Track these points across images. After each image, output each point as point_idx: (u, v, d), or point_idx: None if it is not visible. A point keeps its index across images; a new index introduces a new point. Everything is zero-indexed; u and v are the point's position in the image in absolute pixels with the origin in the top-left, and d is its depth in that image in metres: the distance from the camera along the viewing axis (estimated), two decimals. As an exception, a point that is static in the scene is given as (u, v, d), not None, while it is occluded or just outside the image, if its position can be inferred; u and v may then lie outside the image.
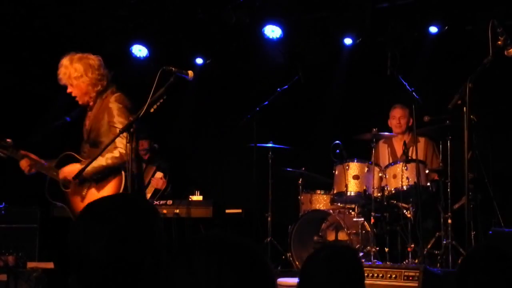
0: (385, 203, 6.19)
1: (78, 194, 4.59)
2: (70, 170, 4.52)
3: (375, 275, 5.04)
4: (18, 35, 7.77)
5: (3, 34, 7.67)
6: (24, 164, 4.67)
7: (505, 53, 4.06)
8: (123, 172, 4.37)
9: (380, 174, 6.25)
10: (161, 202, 6.75)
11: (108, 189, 4.46)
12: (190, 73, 4.28)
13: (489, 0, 6.65)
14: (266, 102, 7.07)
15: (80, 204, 4.53)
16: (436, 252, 6.10)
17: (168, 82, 4.15)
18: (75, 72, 4.49)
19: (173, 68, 4.20)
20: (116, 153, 4.35)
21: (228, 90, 8.49)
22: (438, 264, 5.93)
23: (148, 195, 7.17)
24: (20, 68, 8.27)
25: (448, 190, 5.98)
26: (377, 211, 6.20)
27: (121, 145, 4.32)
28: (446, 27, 7.02)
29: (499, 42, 4.01)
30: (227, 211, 7.23)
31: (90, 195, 4.51)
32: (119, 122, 4.39)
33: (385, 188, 6.17)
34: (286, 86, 7.19)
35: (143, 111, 4.06)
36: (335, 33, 7.51)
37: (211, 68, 8.21)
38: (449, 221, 5.93)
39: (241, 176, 7.70)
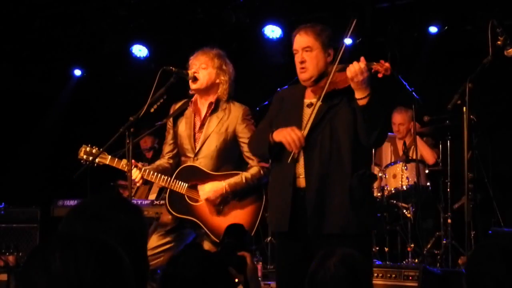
0: (385, 203, 6.19)
1: (211, 208, 4.27)
2: (212, 189, 4.26)
3: (375, 274, 5.04)
4: (18, 35, 7.76)
5: (3, 34, 7.67)
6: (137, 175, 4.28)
7: (505, 53, 4.06)
8: (262, 190, 4.31)
9: (380, 174, 6.24)
10: (161, 202, 6.75)
11: (250, 207, 4.30)
12: (190, 73, 4.29)
13: (489, 0, 6.65)
14: (266, 102, 7.06)
15: (215, 219, 4.24)
16: (436, 252, 6.10)
17: (168, 82, 4.16)
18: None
19: (173, 68, 4.20)
20: (255, 170, 4.35)
21: (228, 90, 8.46)
22: (438, 264, 5.94)
23: (153, 195, 7.16)
24: (20, 68, 8.26)
25: (448, 190, 5.99)
26: (377, 211, 6.19)
27: (254, 162, 4.35)
28: (446, 27, 7.02)
29: (499, 42, 4.00)
30: (227, 211, 7.21)
31: (230, 210, 4.27)
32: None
33: (385, 188, 6.16)
34: (286, 86, 7.17)
35: (143, 111, 4.07)
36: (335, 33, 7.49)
37: (211, 68, 8.19)
38: (449, 221, 5.94)
39: (241, 176, 7.67)
